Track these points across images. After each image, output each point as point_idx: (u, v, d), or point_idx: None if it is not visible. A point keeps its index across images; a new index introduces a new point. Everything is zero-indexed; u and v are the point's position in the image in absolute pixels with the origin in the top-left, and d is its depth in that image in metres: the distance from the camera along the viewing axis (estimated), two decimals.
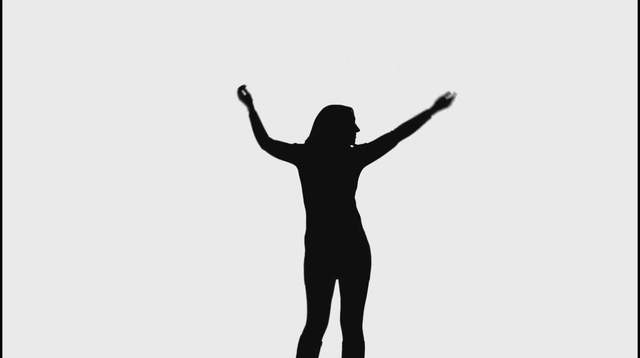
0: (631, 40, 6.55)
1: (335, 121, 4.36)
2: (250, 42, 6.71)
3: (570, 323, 6.42)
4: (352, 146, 4.41)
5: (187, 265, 6.68)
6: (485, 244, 6.64)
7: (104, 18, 6.69)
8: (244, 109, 4.69)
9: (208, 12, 6.72)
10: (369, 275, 4.35)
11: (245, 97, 4.60)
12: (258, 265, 6.67)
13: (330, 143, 4.36)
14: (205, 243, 6.69)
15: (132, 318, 6.51)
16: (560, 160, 6.65)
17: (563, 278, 6.59)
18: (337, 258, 4.29)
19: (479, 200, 6.66)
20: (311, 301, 4.34)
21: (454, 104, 4.41)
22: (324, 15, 6.70)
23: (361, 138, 4.58)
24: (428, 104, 4.47)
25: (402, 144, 6.16)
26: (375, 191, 6.62)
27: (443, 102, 4.40)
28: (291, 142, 4.51)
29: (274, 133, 4.99)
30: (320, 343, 4.36)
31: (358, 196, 4.59)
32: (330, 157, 4.34)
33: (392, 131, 4.37)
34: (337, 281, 4.60)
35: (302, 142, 4.50)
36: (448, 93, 4.39)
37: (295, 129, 6.35)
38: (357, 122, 4.59)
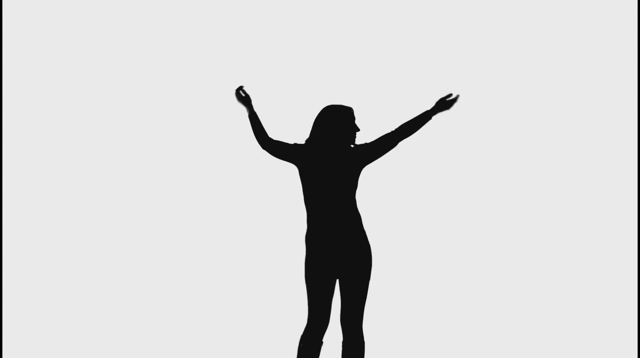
0: (631, 40, 6.54)
1: (336, 121, 4.36)
2: (250, 42, 6.71)
3: (571, 323, 6.42)
4: (352, 146, 4.40)
5: (188, 264, 6.68)
6: (486, 244, 6.63)
7: (103, 18, 6.69)
8: (243, 110, 4.68)
9: (208, 12, 6.72)
10: (370, 275, 4.34)
11: (244, 98, 4.59)
12: (259, 264, 6.67)
13: (330, 142, 4.35)
14: (205, 242, 6.69)
15: (133, 317, 6.50)
16: (561, 160, 6.64)
17: (563, 278, 6.58)
18: (337, 257, 4.29)
19: (479, 200, 6.66)
20: (312, 301, 4.34)
21: (456, 106, 4.40)
22: (324, 15, 6.70)
23: (361, 138, 4.58)
24: (429, 104, 4.47)
25: (403, 144, 6.15)
26: (376, 191, 6.61)
27: (444, 104, 4.39)
28: (291, 142, 4.51)
29: (274, 133, 4.99)
30: (321, 342, 4.36)
31: (359, 196, 4.58)
32: (331, 157, 4.33)
33: (392, 131, 4.37)
34: (337, 281, 4.60)
35: (302, 142, 4.49)
36: (450, 95, 4.38)
37: (295, 129, 6.34)
38: (357, 122, 4.59)
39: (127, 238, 6.66)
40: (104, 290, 6.60)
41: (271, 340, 6.22)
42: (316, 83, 6.67)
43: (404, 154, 6.62)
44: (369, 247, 4.33)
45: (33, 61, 6.64)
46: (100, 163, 6.68)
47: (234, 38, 6.71)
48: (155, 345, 6.11)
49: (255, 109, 4.67)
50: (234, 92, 4.61)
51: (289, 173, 6.35)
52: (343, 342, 4.39)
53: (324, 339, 5.83)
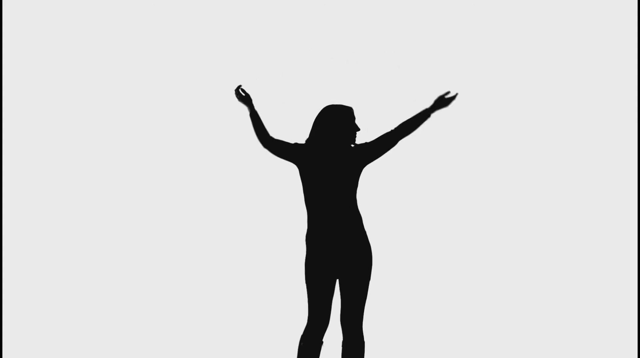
0: (631, 39, 6.55)
1: (336, 121, 4.36)
2: (250, 42, 6.71)
3: (571, 323, 6.42)
4: (352, 145, 4.41)
5: (188, 264, 6.68)
6: (486, 244, 6.64)
7: (103, 18, 6.69)
8: (244, 110, 4.69)
9: (208, 12, 6.72)
10: (370, 275, 4.34)
11: (244, 97, 4.60)
12: (259, 264, 6.67)
13: (330, 142, 4.36)
14: (205, 242, 6.69)
15: (132, 317, 6.50)
16: (561, 159, 6.64)
17: (563, 278, 6.59)
18: (338, 257, 4.29)
19: (480, 200, 6.66)
20: (312, 301, 4.34)
21: (454, 103, 4.41)
22: (324, 15, 6.70)
23: (362, 138, 4.58)
24: (428, 104, 4.47)
25: (404, 145, 6.15)
26: (376, 191, 6.61)
27: (443, 102, 4.40)
28: (292, 142, 4.51)
29: (274, 133, 4.99)
30: (321, 342, 4.36)
31: (359, 196, 4.58)
32: (331, 157, 4.34)
33: (392, 130, 4.37)
34: (337, 281, 4.60)
35: (303, 142, 4.50)
36: (448, 92, 4.39)
37: (295, 129, 6.34)
38: (357, 122, 4.59)
39: (126, 238, 6.66)
40: (104, 289, 6.60)
41: (271, 339, 6.22)
42: (316, 83, 6.67)
43: (404, 154, 6.62)
44: (369, 247, 4.33)
45: (33, 61, 6.64)
46: (100, 163, 6.68)
47: (234, 38, 6.71)
48: (155, 344, 6.11)
49: (256, 108, 4.67)
50: (234, 92, 4.61)
51: (289, 173, 6.35)
52: (343, 342, 4.39)
53: (324, 339, 5.84)
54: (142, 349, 6.02)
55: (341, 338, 5.08)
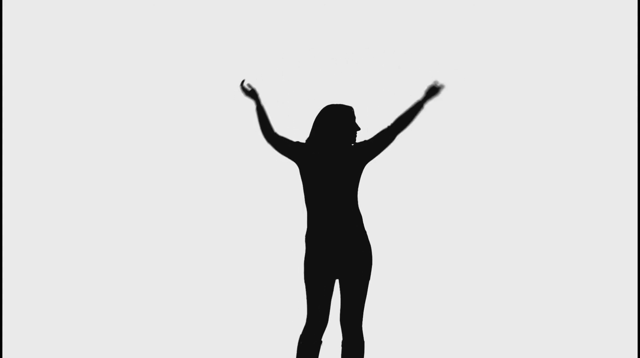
0: (631, 39, 6.55)
1: (336, 120, 4.36)
2: (250, 42, 6.71)
3: (571, 323, 6.42)
4: (352, 144, 4.41)
5: (187, 263, 6.68)
6: (486, 244, 6.64)
7: (104, 18, 6.69)
8: (247, 107, 4.69)
9: (208, 12, 6.72)
10: (370, 274, 4.35)
11: (250, 92, 4.61)
12: (258, 263, 6.67)
13: (330, 142, 4.36)
14: (205, 241, 6.69)
15: (132, 317, 6.51)
16: (560, 159, 6.65)
17: (563, 278, 6.59)
18: (338, 257, 4.29)
19: (480, 200, 6.66)
20: (311, 301, 4.35)
21: (444, 92, 4.45)
22: (324, 15, 6.70)
23: (362, 138, 4.58)
24: (428, 104, 4.48)
25: (404, 144, 6.16)
26: (376, 191, 6.61)
27: (433, 91, 4.45)
28: (294, 140, 4.51)
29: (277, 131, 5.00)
30: (320, 342, 4.36)
31: (360, 196, 4.59)
32: (331, 156, 4.34)
33: (389, 126, 4.39)
34: (337, 280, 4.60)
35: (304, 141, 4.50)
36: (436, 82, 4.46)
37: (295, 129, 6.35)
38: (357, 121, 4.59)
39: (126, 237, 6.66)
40: (104, 289, 6.60)
41: (271, 339, 6.22)
42: (316, 83, 6.67)
43: (404, 154, 6.62)
44: (369, 247, 4.33)
45: (33, 61, 6.64)
46: (100, 162, 6.69)
47: (234, 38, 6.71)
48: (155, 344, 6.11)
49: (262, 103, 4.69)
50: (239, 86, 4.62)
51: (289, 173, 6.34)
52: (343, 342, 4.39)
53: (323, 338, 5.84)
54: (142, 349, 6.02)
55: (341, 338, 5.09)
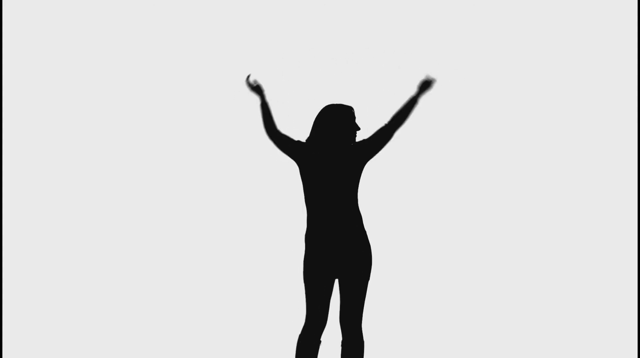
0: (631, 39, 6.55)
1: (336, 120, 4.36)
2: (250, 42, 6.71)
3: (571, 323, 6.42)
4: (352, 144, 4.41)
5: (187, 263, 6.68)
6: (486, 244, 6.64)
7: (104, 17, 6.69)
8: (250, 105, 4.69)
9: (208, 12, 6.72)
10: (369, 274, 4.35)
11: (255, 87, 4.61)
12: (258, 263, 6.67)
13: (330, 142, 4.36)
14: (205, 241, 6.69)
15: (132, 317, 6.50)
16: (560, 158, 6.64)
17: (563, 278, 6.58)
18: (337, 257, 4.29)
19: (480, 200, 6.66)
20: (310, 300, 4.34)
21: (436, 85, 4.49)
22: (324, 15, 6.70)
23: (362, 138, 4.58)
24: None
25: (404, 144, 6.16)
26: (376, 191, 6.61)
27: (426, 85, 4.48)
28: (296, 139, 4.52)
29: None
30: (320, 341, 4.36)
31: (360, 196, 4.59)
32: (331, 156, 4.34)
33: (386, 124, 4.39)
34: (337, 280, 4.60)
35: (304, 141, 4.50)
36: (428, 75, 4.49)
37: (295, 129, 6.35)
38: (357, 121, 4.59)
39: (126, 237, 6.66)
40: (104, 289, 6.60)
41: (270, 339, 6.22)
42: (316, 83, 6.67)
43: (404, 154, 6.62)
44: (369, 247, 4.33)
45: (33, 61, 6.64)
46: (100, 162, 6.69)
47: (234, 38, 6.71)
48: (155, 344, 6.11)
49: (267, 99, 4.70)
50: (245, 81, 4.63)
51: (290, 172, 6.34)
52: (342, 342, 4.39)
53: (323, 338, 5.83)
54: (141, 349, 6.02)
55: (340, 338, 5.09)
